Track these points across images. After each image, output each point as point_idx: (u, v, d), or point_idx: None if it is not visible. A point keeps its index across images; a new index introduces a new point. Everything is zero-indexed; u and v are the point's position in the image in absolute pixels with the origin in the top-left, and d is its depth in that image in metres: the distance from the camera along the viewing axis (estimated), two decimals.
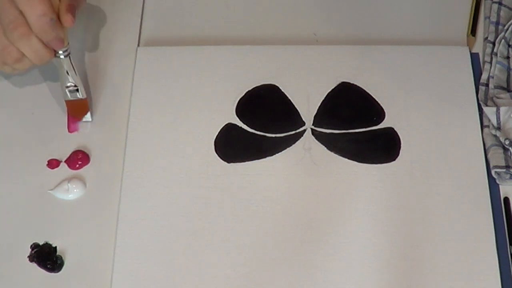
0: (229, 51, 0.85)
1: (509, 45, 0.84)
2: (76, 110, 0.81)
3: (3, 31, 0.73)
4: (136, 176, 0.78)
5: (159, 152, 0.79)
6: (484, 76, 0.83)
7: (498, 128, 0.79)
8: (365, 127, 0.81)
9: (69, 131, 0.81)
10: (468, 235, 0.75)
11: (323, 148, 0.79)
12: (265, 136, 0.80)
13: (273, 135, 0.80)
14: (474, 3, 0.88)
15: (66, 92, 0.80)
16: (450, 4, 0.89)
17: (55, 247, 0.75)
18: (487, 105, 0.80)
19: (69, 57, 0.77)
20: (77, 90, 0.79)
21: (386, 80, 0.83)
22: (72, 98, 0.80)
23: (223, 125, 0.81)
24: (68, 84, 0.79)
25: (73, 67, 0.78)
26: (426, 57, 0.84)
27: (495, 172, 0.77)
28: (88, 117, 0.81)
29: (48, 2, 0.73)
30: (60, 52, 0.76)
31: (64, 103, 0.81)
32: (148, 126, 0.81)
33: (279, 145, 0.80)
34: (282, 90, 0.83)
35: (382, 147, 0.80)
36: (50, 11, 0.73)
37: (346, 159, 0.79)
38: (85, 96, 0.80)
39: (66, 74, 0.78)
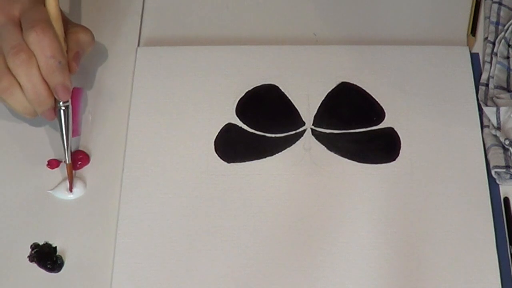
0: (229, 51, 0.85)
1: (509, 45, 0.84)
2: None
3: (3, 57, 0.71)
4: (136, 176, 0.78)
5: (159, 152, 0.79)
6: (484, 76, 0.83)
7: (498, 128, 0.79)
8: (365, 127, 0.81)
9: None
10: (468, 235, 0.75)
11: (323, 148, 0.79)
12: (265, 136, 0.80)
13: (273, 135, 0.80)
14: (474, 3, 0.88)
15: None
16: (450, 4, 0.89)
17: (55, 247, 0.75)
18: (487, 105, 0.80)
19: (68, 111, 0.76)
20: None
21: (386, 80, 0.83)
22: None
23: (223, 125, 0.81)
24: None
25: (68, 123, 0.76)
26: (426, 57, 0.84)
27: (495, 172, 0.77)
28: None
29: (58, 44, 0.72)
30: (61, 103, 0.75)
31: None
32: (148, 126, 0.81)
33: (279, 145, 0.80)
34: (282, 90, 0.83)
35: (382, 147, 0.80)
36: (60, 53, 0.72)
37: (346, 159, 0.79)
38: (69, 162, 0.77)
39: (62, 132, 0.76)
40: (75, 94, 0.82)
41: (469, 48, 0.85)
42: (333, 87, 0.83)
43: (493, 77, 0.82)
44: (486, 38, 0.86)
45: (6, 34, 0.72)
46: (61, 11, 0.76)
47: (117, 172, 0.79)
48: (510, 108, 0.79)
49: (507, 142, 0.77)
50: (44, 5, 0.74)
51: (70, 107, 0.76)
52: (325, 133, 0.80)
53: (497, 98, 0.81)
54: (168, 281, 0.73)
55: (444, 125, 0.80)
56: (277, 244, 0.75)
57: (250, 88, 0.83)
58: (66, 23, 0.77)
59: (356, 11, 0.89)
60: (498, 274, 0.73)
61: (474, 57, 0.85)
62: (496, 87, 0.82)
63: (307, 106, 0.82)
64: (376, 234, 0.75)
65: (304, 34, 0.87)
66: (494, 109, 0.79)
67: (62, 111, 0.76)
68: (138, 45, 0.86)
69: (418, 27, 0.87)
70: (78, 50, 0.75)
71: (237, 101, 0.82)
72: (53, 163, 0.79)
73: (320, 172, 0.78)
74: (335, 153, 0.79)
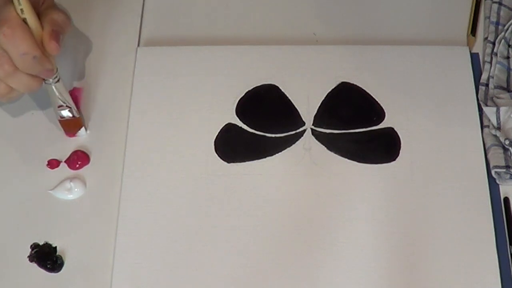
0: (229, 51, 0.85)
1: (509, 45, 0.84)
2: (70, 127, 0.80)
3: None
4: (136, 176, 0.78)
5: (159, 152, 0.79)
6: (484, 76, 0.83)
7: (498, 128, 0.79)
8: (365, 127, 0.81)
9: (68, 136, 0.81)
10: (468, 235, 0.75)
11: (323, 148, 0.79)
12: (265, 136, 0.80)
13: (273, 135, 0.80)
14: (474, 3, 0.88)
15: (58, 112, 0.79)
16: (450, 4, 0.89)
17: (55, 247, 0.75)
18: (487, 105, 0.80)
19: (59, 82, 0.76)
20: (69, 109, 0.79)
21: (386, 80, 0.83)
22: (65, 118, 0.79)
23: (223, 125, 0.81)
24: (60, 105, 0.78)
25: (64, 89, 0.77)
26: (426, 57, 0.84)
27: (495, 172, 0.77)
28: (82, 132, 0.80)
29: (30, 38, 0.71)
30: (50, 80, 0.76)
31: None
32: (148, 126, 0.81)
33: (279, 145, 0.80)
34: (282, 90, 0.83)
35: (382, 147, 0.80)
36: (32, 48, 0.71)
37: (346, 159, 0.79)
38: (78, 115, 0.79)
39: (58, 97, 0.77)
40: (75, 94, 0.82)
41: (469, 48, 0.85)
42: (333, 87, 0.83)
43: (493, 77, 0.82)
44: (486, 38, 0.86)
45: None
46: None
47: (117, 172, 0.79)
48: (510, 108, 0.79)
49: (507, 142, 0.77)
50: (11, 1, 0.72)
51: (59, 77, 0.76)
52: (325, 133, 0.80)
53: (497, 98, 0.81)
54: (168, 281, 0.73)
55: (444, 125, 0.80)
56: (277, 244, 0.75)
57: (250, 88, 0.83)
58: (38, 5, 0.75)
59: (356, 11, 0.89)
60: (498, 274, 0.73)
61: (474, 57, 0.85)
62: (496, 87, 0.82)
63: (307, 106, 0.82)
64: (376, 234, 0.75)
65: (304, 34, 0.87)
66: (494, 109, 0.79)
67: (54, 87, 0.77)
68: (138, 45, 0.86)
69: (418, 27, 0.87)
70: (53, 29, 0.74)
71: (237, 101, 0.82)
72: (53, 163, 0.79)
73: (320, 172, 0.78)
74: (335, 153, 0.79)
